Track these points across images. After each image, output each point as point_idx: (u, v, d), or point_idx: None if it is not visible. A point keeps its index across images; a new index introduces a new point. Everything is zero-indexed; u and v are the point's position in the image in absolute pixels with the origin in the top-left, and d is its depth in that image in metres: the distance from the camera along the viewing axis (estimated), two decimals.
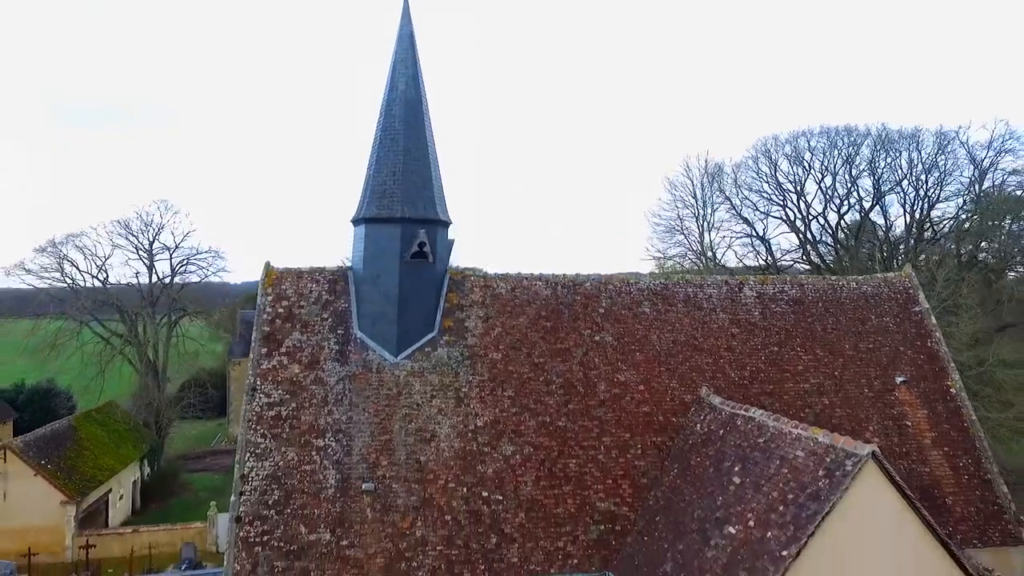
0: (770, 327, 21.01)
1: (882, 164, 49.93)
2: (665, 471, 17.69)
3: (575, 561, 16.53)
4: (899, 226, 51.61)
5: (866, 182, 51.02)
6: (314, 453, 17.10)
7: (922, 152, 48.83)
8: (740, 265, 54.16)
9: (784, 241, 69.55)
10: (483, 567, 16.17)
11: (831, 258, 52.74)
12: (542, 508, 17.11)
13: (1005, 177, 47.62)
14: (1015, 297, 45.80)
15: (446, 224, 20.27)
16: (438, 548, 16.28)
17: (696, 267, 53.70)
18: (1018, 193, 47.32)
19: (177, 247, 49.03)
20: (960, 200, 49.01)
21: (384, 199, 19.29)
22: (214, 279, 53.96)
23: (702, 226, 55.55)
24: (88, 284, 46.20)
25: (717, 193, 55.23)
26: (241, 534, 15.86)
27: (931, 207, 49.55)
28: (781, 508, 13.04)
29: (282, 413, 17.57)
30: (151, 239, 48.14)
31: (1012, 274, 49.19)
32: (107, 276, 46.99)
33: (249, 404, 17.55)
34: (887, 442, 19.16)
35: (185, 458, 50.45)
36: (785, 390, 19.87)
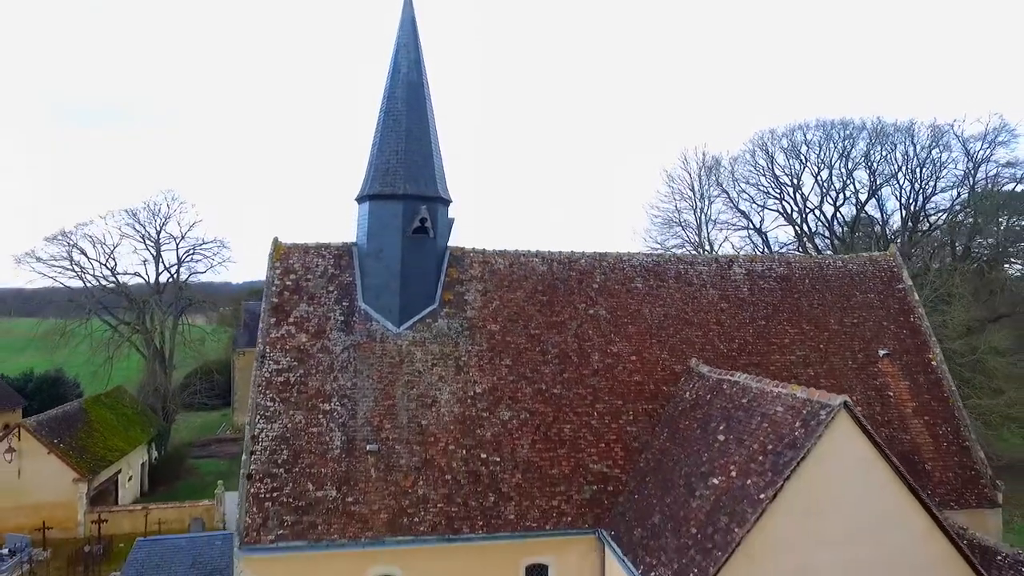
0: (758, 302, 21.85)
1: (877, 157, 50.76)
2: (655, 436, 18.53)
3: (569, 519, 17.38)
4: (895, 220, 52.49)
5: (862, 175, 51.89)
6: (321, 416, 17.96)
7: (917, 145, 49.64)
8: None
9: (781, 234, 70.59)
10: (481, 523, 17.01)
11: (828, 251, 53.50)
12: (538, 469, 17.96)
13: (999, 169, 48.34)
14: (1007, 287, 46.66)
15: (446, 202, 21.13)
16: (439, 505, 17.13)
17: None
18: (1011, 186, 48.09)
19: (183, 237, 50.01)
20: (955, 192, 49.79)
21: (387, 177, 20.17)
22: (217, 279, 54.95)
23: (700, 218, 56.40)
24: (97, 272, 47.16)
25: (715, 186, 56.10)
26: (252, 490, 16.70)
27: (926, 199, 50.31)
28: (760, 458, 13.87)
29: (290, 379, 18.43)
30: (158, 229, 49.12)
31: (1012, 270, 49.90)
32: (115, 264, 47.97)
33: (259, 370, 18.41)
34: (870, 411, 19.99)
35: (191, 446, 51.34)
36: (772, 361, 20.70)
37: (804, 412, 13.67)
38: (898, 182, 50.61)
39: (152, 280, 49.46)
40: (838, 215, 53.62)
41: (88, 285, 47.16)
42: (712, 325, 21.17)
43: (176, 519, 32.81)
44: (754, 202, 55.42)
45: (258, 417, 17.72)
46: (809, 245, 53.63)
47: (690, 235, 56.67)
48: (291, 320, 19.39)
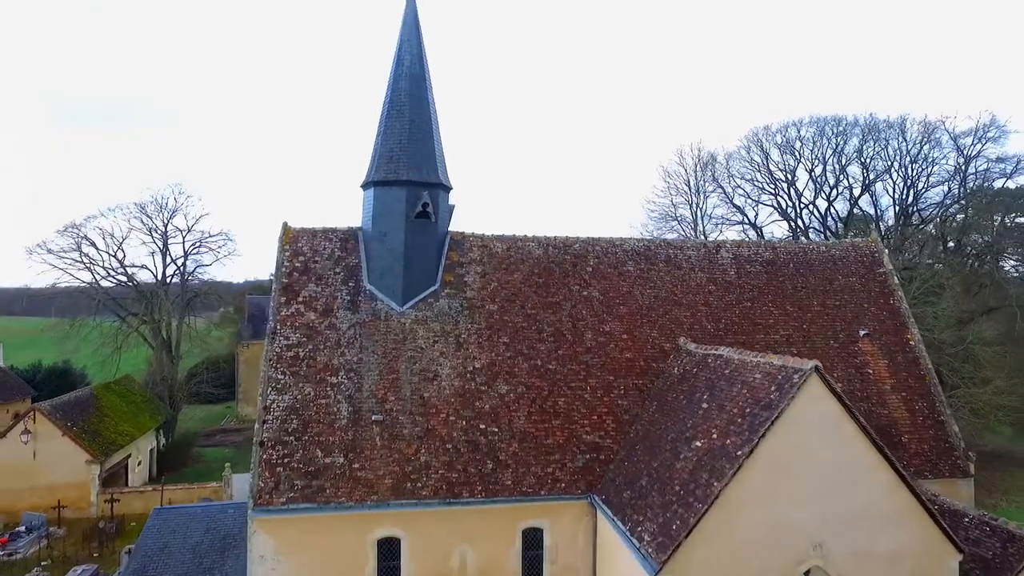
0: (744, 285, 22.91)
1: (870, 153, 51.77)
2: (645, 408, 19.58)
3: (563, 485, 18.45)
4: (889, 216, 53.47)
5: (855, 170, 52.87)
6: (329, 388, 19.03)
7: (908, 141, 50.66)
8: None
9: (776, 228, 71.48)
10: (480, 488, 18.08)
11: None
12: (533, 439, 19.03)
13: (989, 164, 49.33)
14: (996, 281, 47.64)
15: (447, 188, 22.20)
16: (440, 472, 18.20)
17: None
18: (1001, 182, 49.09)
19: (190, 230, 51.03)
20: (945, 187, 50.79)
21: (391, 164, 21.25)
22: (220, 275, 55.96)
23: (696, 213, 57.42)
24: (106, 263, 48.22)
25: (710, 182, 57.14)
26: (264, 456, 17.77)
27: (918, 194, 51.32)
28: (739, 420, 14.92)
29: (300, 354, 19.50)
30: (165, 222, 50.16)
31: (1006, 266, 50.82)
32: (124, 256, 49.01)
33: (270, 346, 19.48)
34: (849, 387, 21.03)
35: (197, 435, 52.39)
36: (756, 341, 21.74)
37: (779, 377, 14.72)
38: (890, 177, 51.70)
39: (159, 273, 50.56)
40: (832, 210, 54.68)
41: (97, 277, 48.23)
42: (700, 306, 22.23)
43: (185, 500, 33.83)
44: (749, 197, 56.53)
45: (270, 389, 18.78)
46: (803, 240, 54.63)
47: (686, 230, 57.71)
48: (300, 299, 20.46)
